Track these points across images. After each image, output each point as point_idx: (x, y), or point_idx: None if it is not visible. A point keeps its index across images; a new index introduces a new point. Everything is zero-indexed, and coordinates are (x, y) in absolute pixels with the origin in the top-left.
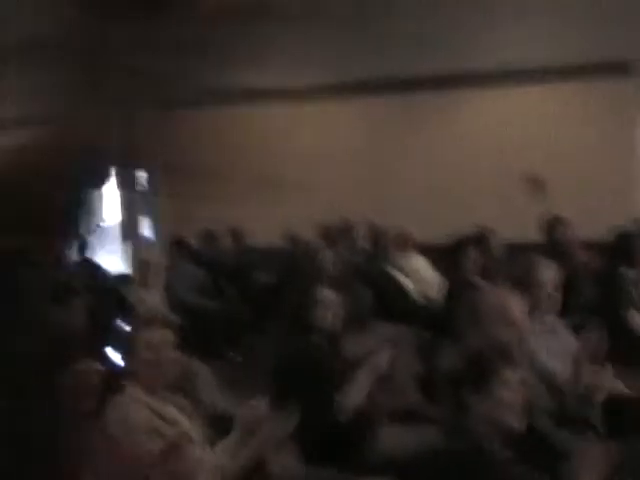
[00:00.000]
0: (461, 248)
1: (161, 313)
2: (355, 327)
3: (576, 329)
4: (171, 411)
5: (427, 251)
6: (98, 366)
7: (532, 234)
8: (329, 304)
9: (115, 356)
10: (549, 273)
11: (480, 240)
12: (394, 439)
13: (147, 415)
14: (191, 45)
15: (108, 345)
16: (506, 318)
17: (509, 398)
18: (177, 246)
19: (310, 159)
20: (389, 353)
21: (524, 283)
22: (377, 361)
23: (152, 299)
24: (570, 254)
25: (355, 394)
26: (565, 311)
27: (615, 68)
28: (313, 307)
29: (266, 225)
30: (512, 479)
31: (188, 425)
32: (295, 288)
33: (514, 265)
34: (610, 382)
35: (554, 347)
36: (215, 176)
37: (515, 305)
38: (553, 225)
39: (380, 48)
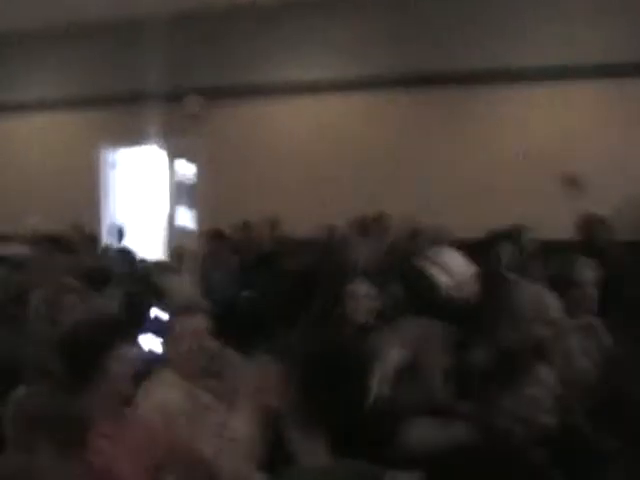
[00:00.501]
0: (494, 244)
1: (197, 301)
2: (386, 321)
3: (614, 328)
4: (204, 396)
5: (461, 246)
6: (136, 352)
7: (568, 232)
8: (362, 297)
9: (151, 343)
10: (588, 272)
11: (513, 236)
12: (423, 434)
13: (182, 399)
14: (234, 38)
15: (144, 332)
16: (542, 315)
17: (541, 396)
18: (213, 235)
19: (343, 153)
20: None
21: (563, 281)
22: (400, 345)
23: (188, 288)
24: (608, 253)
25: (383, 381)
26: (603, 310)
27: None
28: (346, 299)
29: (302, 217)
30: (539, 476)
31: (221, 410)
32: (329, 280)
33: (553, 263)
34: None
35: (590, 346)
36: (253, 168)
37: (552, 302)
38: (591, 224)
39: (412, 42)
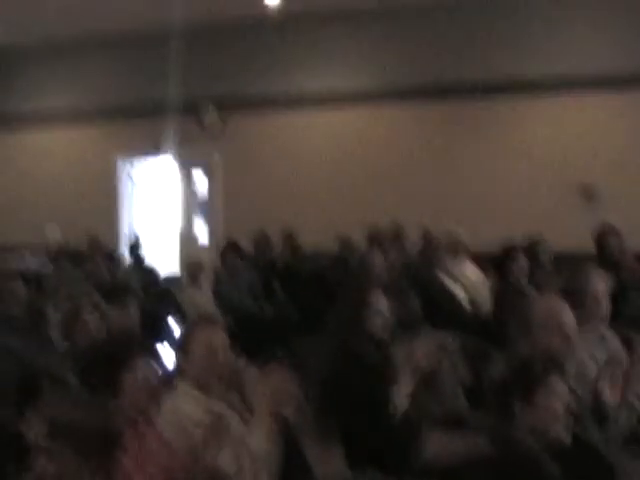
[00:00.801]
0: (510, 256)
1: (214, 314)
2: (404, 333)
3: (627, 340)
4: (222, 409)
5: (477, 258)
6: (154, 364)
7: (584, 244)
8: (381, 309)
9: (169, 355)
10: (601, 283)
11: (529, 249)
12: (440, 445)
13: (198, 411)
14: (252, 50)
15: (161, 344)
16: (558, 328)
17: (557, 408)
18: (229, 248)
19: (360, 164)
20: (428, 349)
21: (576, 292)
22: (417, 358)
23: (203, 300)
24: (622, 264)
25: (400, 394)
26: (616, 322)
27: None
28: (365, 311)
29: (318, 228)
30: None
31: (238, 422)
32: (348, 292)
33: (567, 274)
34: None
35: (603, 358)
36: (270, 179)
37: (567, 315)
38: (605, 235)
39: (429, 54)
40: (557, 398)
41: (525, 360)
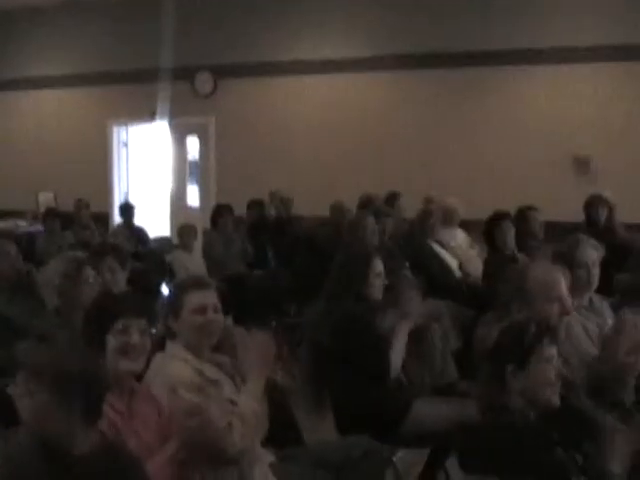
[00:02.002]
0: (496, 222)
1: (204, 277)
2: (397, 300)
3: (616, 309)
4: (213, 370)
5: (470, 227)
6: (144, 325)
7: (578, 215)
8: (376, 275)
9: (159, 318)
10: (592, 252)
11: (520, 216)
12: (430, 411)
13: (189, 373)
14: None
15: (152, 307)
16: (553, 294)
17: (549, 374)
18: (220, 211)
19: (354, 132)
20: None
21: (567, 261)
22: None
23: (194, 263)
24: (611, 233)
25: (395, 355)
26: (607, 291)
27: None
28: (361, 277)
29: (313, 195)
30: (545, 454)
31: (228, 384)
32: (346, 256)
33: (558, 243)
34: None
35: (591, 325)
36: (263, 146)
37: (560, 279)
38: (593, 205)
39: (429, 21)
40: (548, 364)
41: (518, 326)
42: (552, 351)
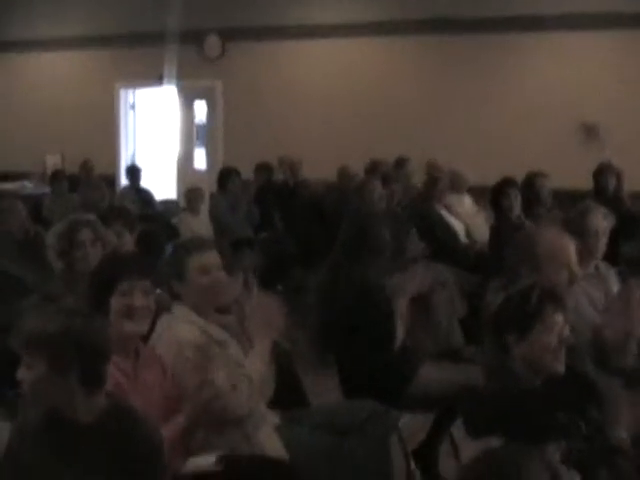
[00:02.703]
0: (503, 189)
1: (206, 238)
2: (403, 265)
3: (623, 277)
4: (219, 331)
5: (477, 193)
6: (148, 287)
7: (585, 183)
8: (382, 240)
9: (166, 279)
10: (600, 220)
11: (528, 182)
12: (435, 376)
13: (195, 334)
14: None
15: (157, 269)
16: (561, 260)
17: (551, 342)
18: (227, 174)
19: (362, 97)
20: (426, 270)
21: (575, 229)
22: (415, 279)
23: (200, 225)
24: (620, 202)
25: (398, 324)
26: (614, 259)
27: None
28: (370, 241)
29: (319, 160)
30: (547, 419)
31: (234, 346)
32: (353, 221)
33: (567, 210)
34: None
35: (596, 293)
36: (271, 110)
37: (571, 247)
38: (603, 172)
39: None
40: (551, 331)
41: (521, 293)
42: (556, 318)
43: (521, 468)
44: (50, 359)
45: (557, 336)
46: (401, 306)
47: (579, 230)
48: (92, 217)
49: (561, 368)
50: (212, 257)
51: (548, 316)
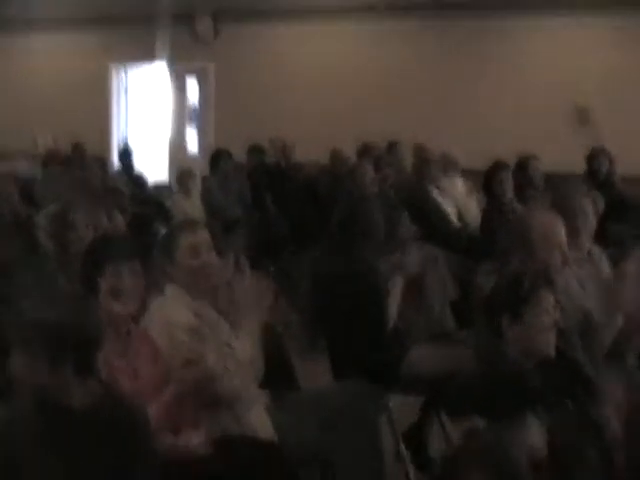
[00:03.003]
0: (496, 172)
1: (195, 219)
2: (394, 248)
3: (615, 259)
4: (210, 313)
5: (469, 175)
6: (137, 268)
7: (576, 166)
8: (375, 222)
9: (157, 260)
10: (588, 203)
11: (520, 165)
12: (426, 358)
13: (187, 315)
14: None
15: (150, 250)
16: (554, 242)
17: (545, 323)
18: (219, 155)
19: (355, 79)
20: (418, 253)
21: (565, 211)
22: (407, 261)
23: (191, 207)
24: (611, 185)
25: (392, 300)
26: (605, 241)
27: None
28: (362, 224)
29: (311, 142)
30: (539, 402)
31: (225, 327)
32: (342, 204)
33: (556, 193)
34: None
35: (586, 275)
36: (263, 90)
37: (562, 229)
38: (595, 156)
39: None
40: (545, 313)
41: (514, 275)
42: (549, 300)
43: (506, 447)
44: (44, 347)
45: (550, 318)
46: (397, 285)
47: (567, 212)
48: (85, 199)
49: (552, 350)
50: (202, 239)
51: (541, 298)
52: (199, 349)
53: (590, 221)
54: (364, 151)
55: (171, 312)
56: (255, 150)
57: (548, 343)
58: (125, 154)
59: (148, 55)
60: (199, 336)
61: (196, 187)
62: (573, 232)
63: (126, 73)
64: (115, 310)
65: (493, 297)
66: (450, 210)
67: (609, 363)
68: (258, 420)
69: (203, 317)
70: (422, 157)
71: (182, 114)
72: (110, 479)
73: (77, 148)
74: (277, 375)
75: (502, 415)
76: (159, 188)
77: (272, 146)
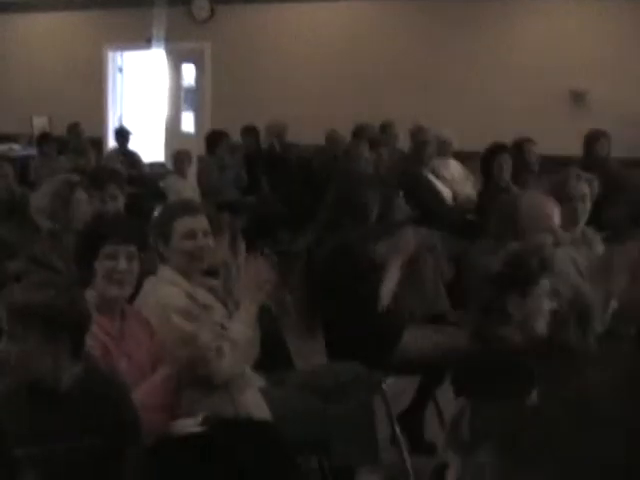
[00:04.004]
0: (494, 154)
1: (193, 201)
2: (391, 229)
3: (610, 242)
4: (204, 295)
5: (465, 158)
6: (133, 251)
7: (572, 150)
8: (371, 204)
9: (152, 242)
10: (586, 186)
11: (516, 148)
12: (421, 340)
13: (180, 297)
14: None
15: (143, 232)
16: (543, 225)
17: (539, 305)
18: (216, 137)
19: (350, 60)
20: (414, 235)
21: (561, 194)
22: (404, 241)
23: (187, 188)
24: (608, 169)
25: (385, 289)
26: (600, 225)
27: None
28: (358, 205)
29: (308, 123)
30: (534, 385)
31: (219, 308)
32: (338, 185)
33: (553, 176)
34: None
35: (581, 258)
36: (259, 73)
37: (555, 212)
38: (592, 139)
39: None
40: (541, 296)
41: (518, 257)
42: (544, 283)
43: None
44: (35, 331)
45: (548, 300)
46: (393, 266)
47: (563, 195)
48: (81, 178)
49: (546, 332)
50: (199, 221)
51: (544, 281)
52: (192, 330)
53: (584, 203)
54: (359, 132)
55: (164, 294)
56: (249, 131)
57: (545, 324)
58: (121, 134)
59: (144, 35)
60: (192, 317)
61: (192, 168)
62: (567, 214)
63: (122, 54)
64: (109, 293)
65: (499, 277)
66: (445, 192)
67: (604, 346)
68: (253, 401)
69: (196, 299)
70: (420, 138)
71: (178, 94)
72: (98, 460)
73: (74, 128)
74: (272, 356)
75: (500, 396)
76: (155, 169)
77: (267, 129)
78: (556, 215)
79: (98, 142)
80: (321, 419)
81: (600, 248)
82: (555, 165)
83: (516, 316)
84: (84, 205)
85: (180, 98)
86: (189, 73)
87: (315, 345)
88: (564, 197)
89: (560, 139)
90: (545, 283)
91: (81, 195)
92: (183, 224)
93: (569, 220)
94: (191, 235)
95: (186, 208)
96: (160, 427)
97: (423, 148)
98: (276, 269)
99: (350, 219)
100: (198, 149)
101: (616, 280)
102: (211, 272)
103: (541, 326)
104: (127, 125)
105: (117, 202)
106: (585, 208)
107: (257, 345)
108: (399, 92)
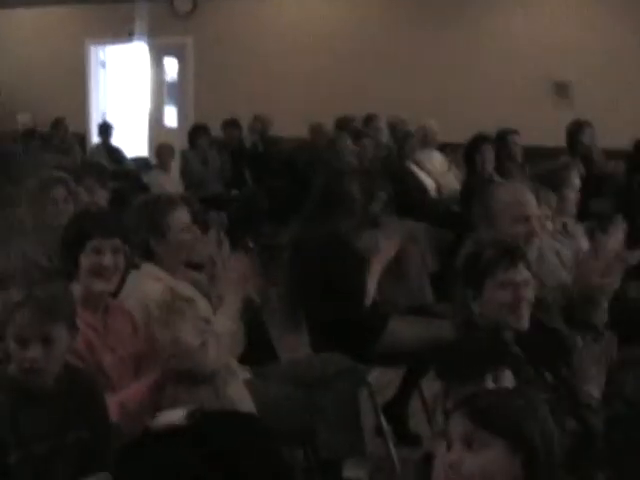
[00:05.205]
0: (477, 146)
1: (177, 195)
2: (374, 222)
3: (591, 233)
4: (187, 288)
5: (448, 149)
6: (118, 245)
7: (556, 141)
8: (353, 197)
9: (135, 236)
10: (571, 176)
11: (499, 139)
12: (405, 331)
13: (162, 291)
14: None
15: (127, 226)
16: (517, 214)
17: (508, 298)
18: (198, 131)
19: (332, 53)
20: (396, 237)
21: (557, 182)
22: (387, 241)
23: (171, 184)
24: (591, 159)
25: (369, 282)
26: (583, 214)
27: None
28: (342, 197)
29: (290, 116)
30: (518, 372)
31: (203, 302)
32: (321, 179)
33: (537, 167)
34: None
35: (564, 249)
36: (241, 66)
37: (530, 201)
38: (576, 130)
39: None
40: (506, 287)
41: (477, 248)
42: (510, 275)
43: None
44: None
45: (512, 293)
46: (375, 265)
47: (560, 184)
48: (64, 174)
49: (523, 324)
50: (181, 215)
51: (500, 273)
52: (175, 325)
53: (569, 193)
54: (342, 124)
55: (146, 288)
56: (230, 124)
57: (516, 316)
58: (104, 129)
59: (126, 30)
60: (174, 312)
61: (174, 162)
62: (559, 203)
63: (104, 49)
64: (95, 288)
65: (459, 271)
66: (428, 183)
67: (585, 332)
68: (237, 394)
69: (179, 293)
70: (402, 130)
71: (160, 89)
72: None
73: (58, 124)
74: (256, 349)
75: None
76: (138, 163)
77: (252, 122)
78: (533, 205)
79: (82, 137)
80: (306, 411)
81: (582, 239)
82: (538, 156)
83: (477, 311)
84: (62, 202)
85: (163, 92)
86: (171, 67)
87: (299, 337)
88: (562, 186)
89: (544, 130)
90: (507, 276)
91: (60, 192)
92: (179, 217)
93: (561, 209)
94: (186, 227)
95: (175, 202)
96: (145, 421)
97: (407, 140)
98: (260, 262)
99: (334, 211)
100: (181, 143)
101: (597, 270)
102: (195, 266)
103: (509, 318)
104: (110, 119)
105: (95, 195)
106: (572, 198)
107: (241, 338)
108: (382, 84)
